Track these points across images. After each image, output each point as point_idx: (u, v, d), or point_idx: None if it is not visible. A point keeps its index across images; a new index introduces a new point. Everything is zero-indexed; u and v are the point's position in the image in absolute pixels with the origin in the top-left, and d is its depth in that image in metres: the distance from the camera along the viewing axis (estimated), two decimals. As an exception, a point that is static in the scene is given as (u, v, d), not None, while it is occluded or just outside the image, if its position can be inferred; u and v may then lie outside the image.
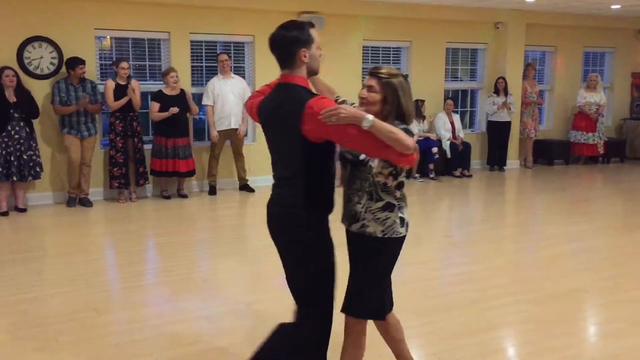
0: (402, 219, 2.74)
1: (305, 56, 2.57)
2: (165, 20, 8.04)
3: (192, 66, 8.37)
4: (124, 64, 7.47)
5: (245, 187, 8.39)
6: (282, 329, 2.72)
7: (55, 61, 7.47)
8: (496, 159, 10.34)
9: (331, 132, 2.48)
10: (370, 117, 2.47)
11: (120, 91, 7.42)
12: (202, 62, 8.51)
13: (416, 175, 9.25)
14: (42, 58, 7.41)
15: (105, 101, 7.49)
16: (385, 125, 2.49)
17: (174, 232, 6.46)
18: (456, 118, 9.90)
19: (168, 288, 4.70)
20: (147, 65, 8.24)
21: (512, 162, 10.58)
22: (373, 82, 2.71)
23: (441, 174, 9.51)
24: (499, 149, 10.31)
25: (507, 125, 10.21)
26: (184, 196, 8.02)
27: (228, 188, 8.53)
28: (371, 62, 9.60)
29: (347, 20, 9.14)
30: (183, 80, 8.01)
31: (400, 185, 2.75)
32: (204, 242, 6.24)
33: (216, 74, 8.29)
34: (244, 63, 8.80)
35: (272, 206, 2.70)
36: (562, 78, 11.28)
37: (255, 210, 7.59)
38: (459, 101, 10.66)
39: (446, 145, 9.56)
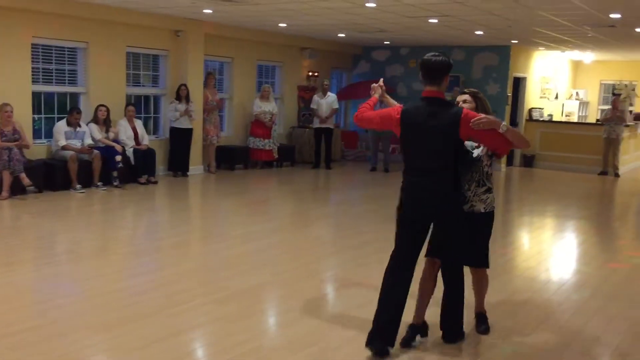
0: (494, 198, 3.87)
1: (447, 79, 3.64)
2: None
3: None
4: None
5: None
6: (454, 284, 3.79)
7: None
8: (179, 165, 10.46)
9: (478, 134, 3.56)
10: (505, 123, 3.61)
11: None
12: None
13: (98, 183, 8.80)
14: None
15: None
16: (514, 129, 3.69)
17: None
18: (139, 124, 9.72)
19: None
20: None
21: (196, 167, 10.82)
22: (466, 97, 3.83)
23: (126, 181, 9.22)
24: (181, 154, 10.45)
25: (188, 132, 10.42)
26: None
27: None
28: (42, 62, 8.80)
29: (12, 14, 8.22)
30: None
31: (492, 173, 3.88)
32: None
33: None
34: None
35: (423, 191, 3.62)
36: (240, 87, 11.99)
37: None
38: (142, 107, 10.49)
39: (129, 152, 9.31)
